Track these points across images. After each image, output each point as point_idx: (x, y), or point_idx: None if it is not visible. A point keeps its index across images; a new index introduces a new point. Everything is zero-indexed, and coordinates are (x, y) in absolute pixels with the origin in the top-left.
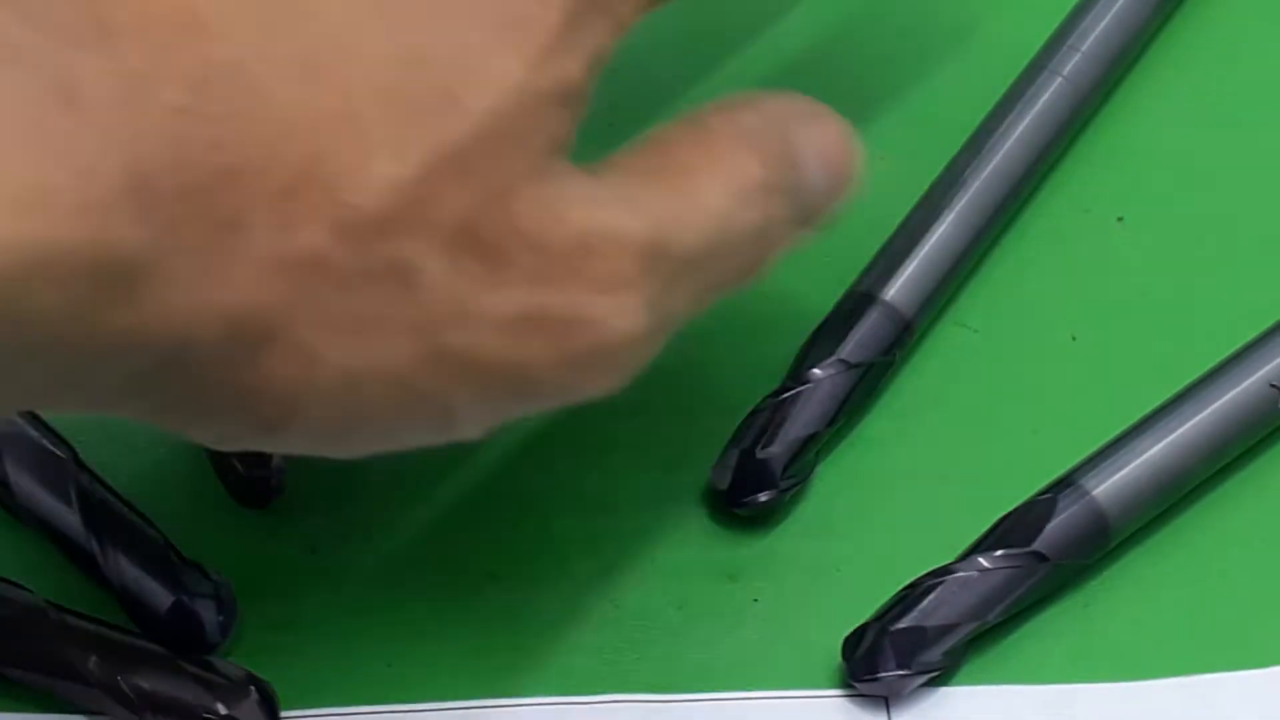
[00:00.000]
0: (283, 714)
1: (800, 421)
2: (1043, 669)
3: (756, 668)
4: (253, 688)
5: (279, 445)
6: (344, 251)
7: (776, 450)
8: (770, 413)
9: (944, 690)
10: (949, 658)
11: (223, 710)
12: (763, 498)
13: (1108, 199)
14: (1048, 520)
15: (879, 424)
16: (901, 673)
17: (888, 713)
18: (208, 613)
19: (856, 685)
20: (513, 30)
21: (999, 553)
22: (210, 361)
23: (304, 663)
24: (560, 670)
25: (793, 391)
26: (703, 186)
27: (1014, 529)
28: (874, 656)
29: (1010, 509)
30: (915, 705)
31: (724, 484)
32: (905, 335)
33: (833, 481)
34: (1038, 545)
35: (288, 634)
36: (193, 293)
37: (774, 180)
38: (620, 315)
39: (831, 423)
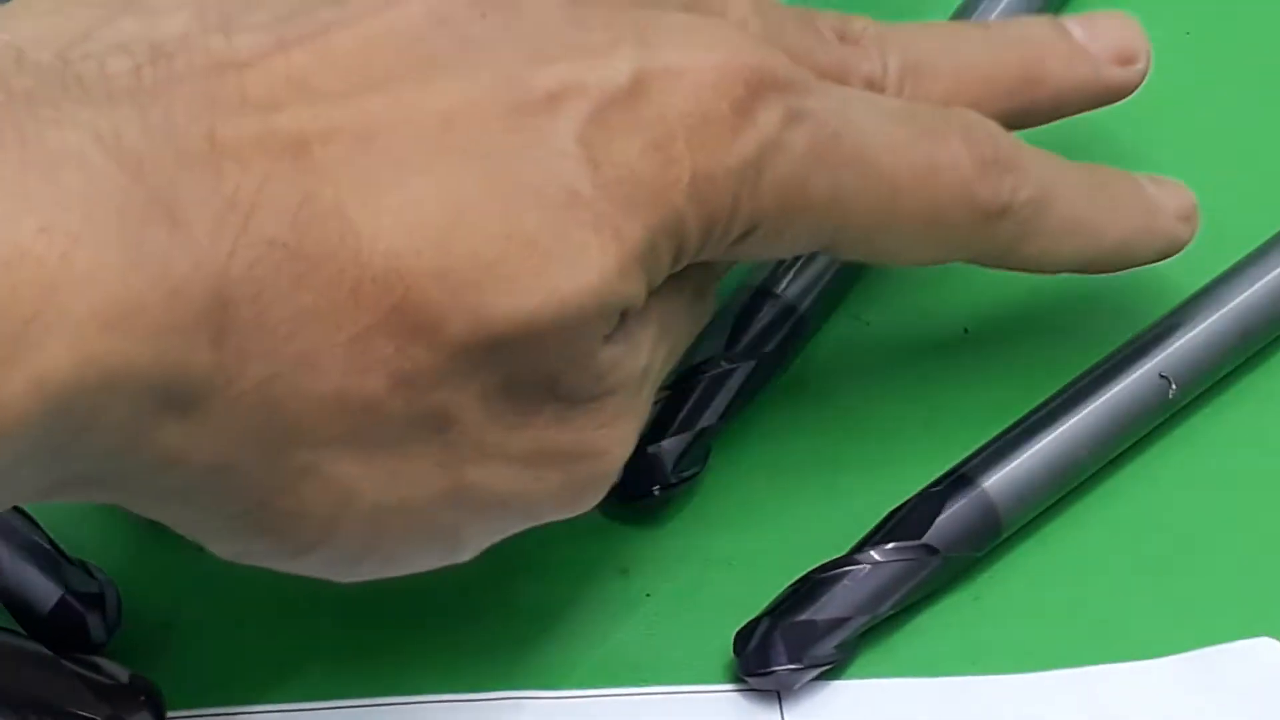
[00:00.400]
0: (169, 714)
1: (692, 415)
2: (934, 662)
3: (650, 663)
4: (139, 690)
5: (293, 567)
6: (397, 400)
7: (668, 445)
8: (662, 407)
9: (836, 684)
10: (841, 651)
11: (108, 711)
12: (655, 491)
13: None
14: (938, 513)
15: (771, 417)
16: (793, 666)
17: (780, 707)
18: (92, 612)
19: (749, 680)
20: (610, 239)
21: (890, 546)
22: (251, 486)
23: (190, 663)
24: (451, 667)
25: (685, 385)
26: (679, 308)
27: (905, 522)
28: (766, 651)
29: (901, 502)
30: (807, 699)
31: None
32: (799, 329)
33: (725, 475)
34: (928, 538)
35: (173, 633)
36: (246, 421)
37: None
38: (619, 444)
39: (724, 416)
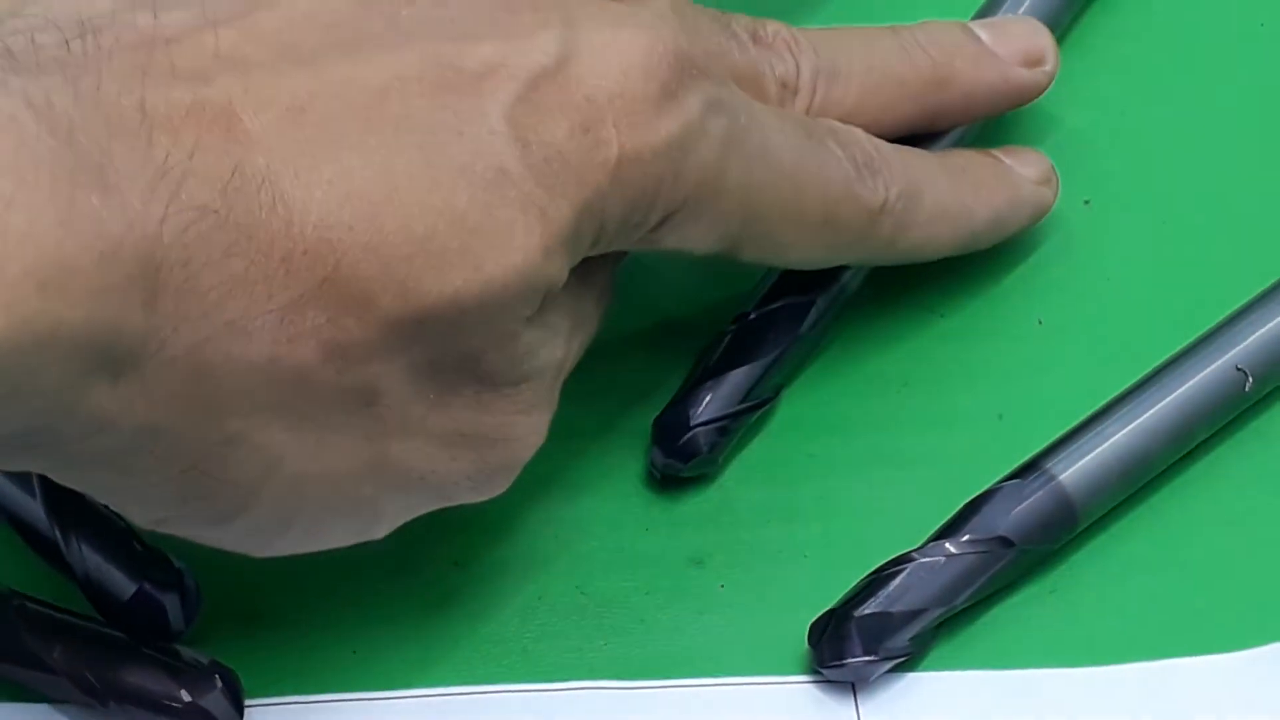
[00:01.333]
0: (247, 702)
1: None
2: (1009, 654)
3: (723, 654)
4: (217, 675)
5: (211, 538)
6: (328, 371)
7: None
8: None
9: (911, 676)
10: (916, 643)
11: (187, 698)
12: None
13: (1074, 182)
14: (1014, 506)
15: (845, 409)
16: (868, 659)
17: (854, 699)
18: (171, 600)
19: (823, 671)
20: (537, 220)
21: (965, 538)
22: (180, 450)
23: (269, 651)
24: (527, 657)
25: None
26: (588, 299)
27: (980, 514)
28: (840, 642)
29: (976, 494)
30: (882, 691)
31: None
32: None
33: (799, 467)
34: (1004, 531)
35: (252, 622)
36: (177, 386)
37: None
38: (533, 432)
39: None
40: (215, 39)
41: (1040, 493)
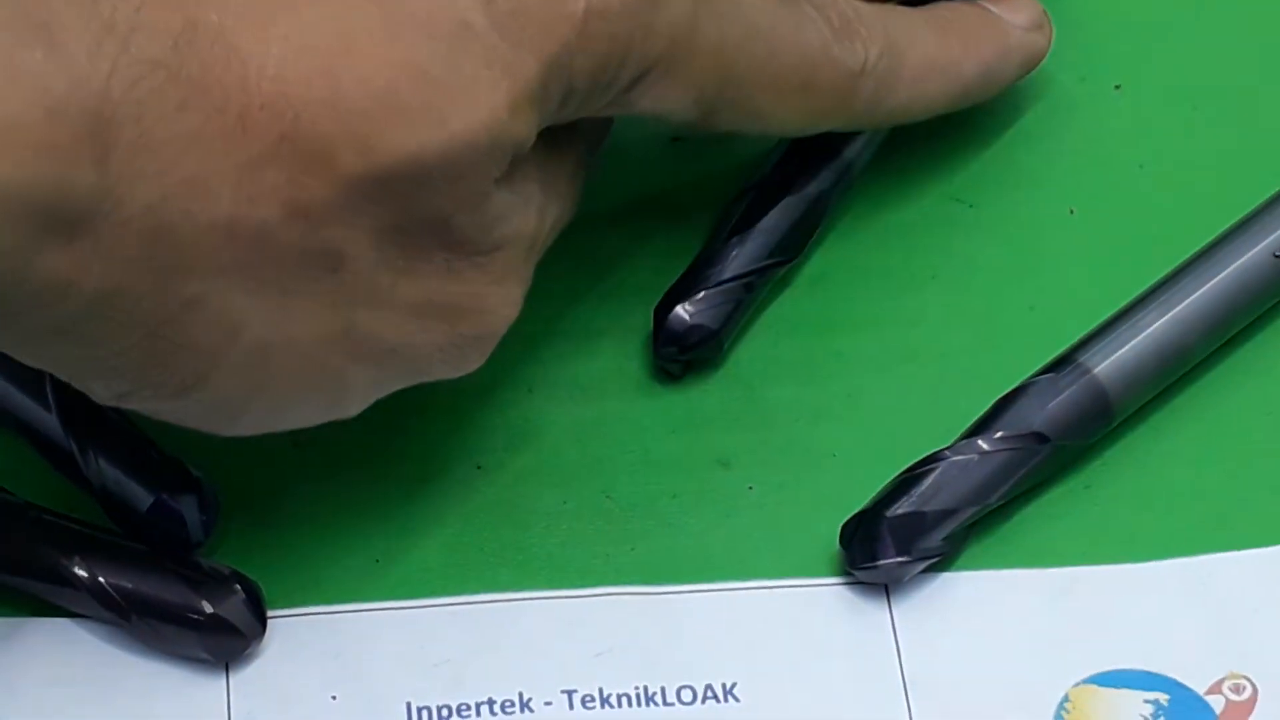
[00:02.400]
0: (269, 612)
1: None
2: (1045, 552)
3: (753, 557)
4: (238, 585)
5: (174, 412)
6: (290, 232)
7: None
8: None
9: (945, 576)
10: (949, 543)
11: (208, 609)
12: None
13: (1105, 67)
14: (1048, 400)
15: (873, 304)
16: (901, 559)
17: (888, 600)
18: (190, 511)
19: (855, 573)
20: (502, 75)
21: (999, 435)
22: (139, 315)
23: (290, 560)
24: (552, 564)
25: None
26: (562, 173)
27: (1014, 410)
28: (873, 543)
29: (1009, 389)
30: (916, 592)
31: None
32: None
33: (826, 365)
34: (1038, 426)
35: (273, 531)
36: (135, 246)
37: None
38: (507, 304)
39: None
40: None
41: (1074, 387)
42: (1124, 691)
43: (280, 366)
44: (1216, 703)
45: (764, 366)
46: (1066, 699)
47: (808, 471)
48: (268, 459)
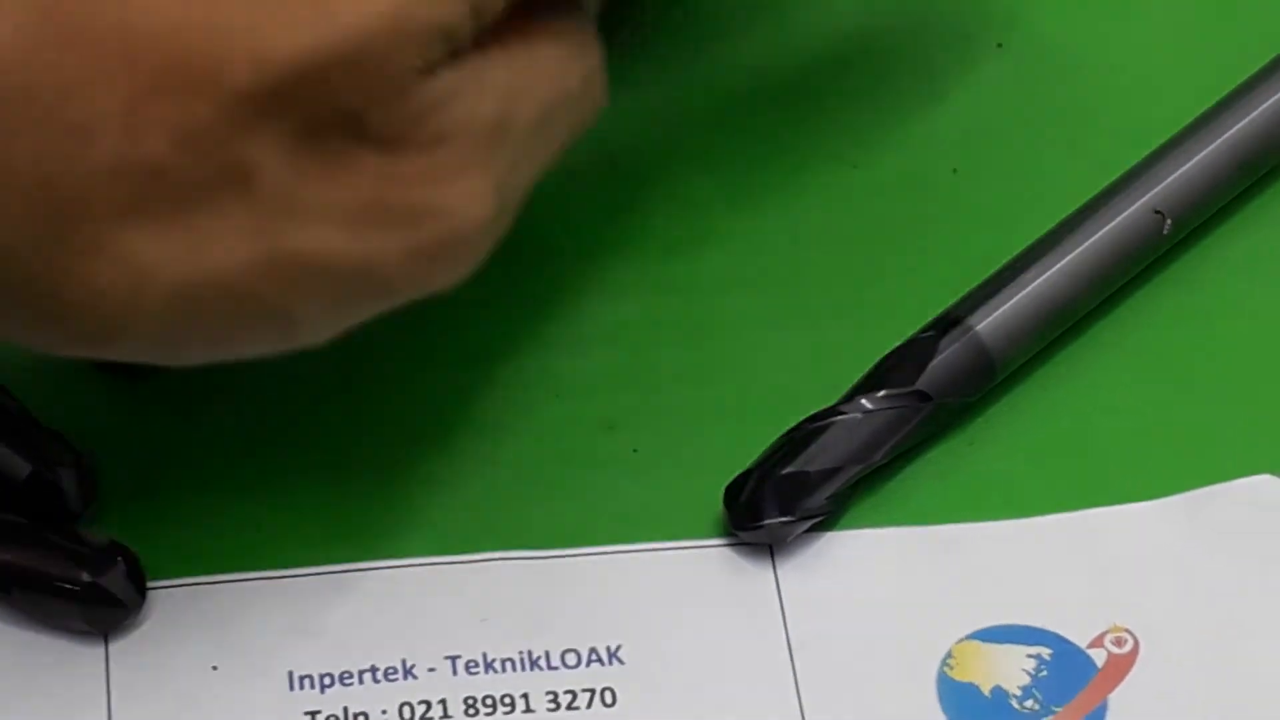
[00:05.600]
0: (149, 583)
1: None
2: (928, 510)
3: (637, 519)
4: (118, 556)
5: (108, 354)
6: (183, 160)
7: None
8: None
9: (829, 535)
10: (833, 502)
11: (87, 579)
12: None
13: (987, 24)
14: (931, 358)
15: (758, 264)
16: (785, 519)
17: (772, 560)
18: (68, 481)
19: (739, 534)
20: None
21: (882, 393)
22: (36, 269)
23: (170, 530)
24: (437, 529)
25: None
26: (542, 52)
27: (897, 368)
28: (757, 504)
29: (892, 348)
30: (800, 551)
31: None
32: None
33: (711, 326)
34: (921, 384)
35: (152, 501)
36: (22, 196)
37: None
38: (470, 201)
39: None
40: None
41: (957, 345)
42: (1007, 646)
43: (206, 303)
44: (1099, 656)
45: (648, 328)
46: (950, 655)
47: (692, 433)
48: (146, 429)
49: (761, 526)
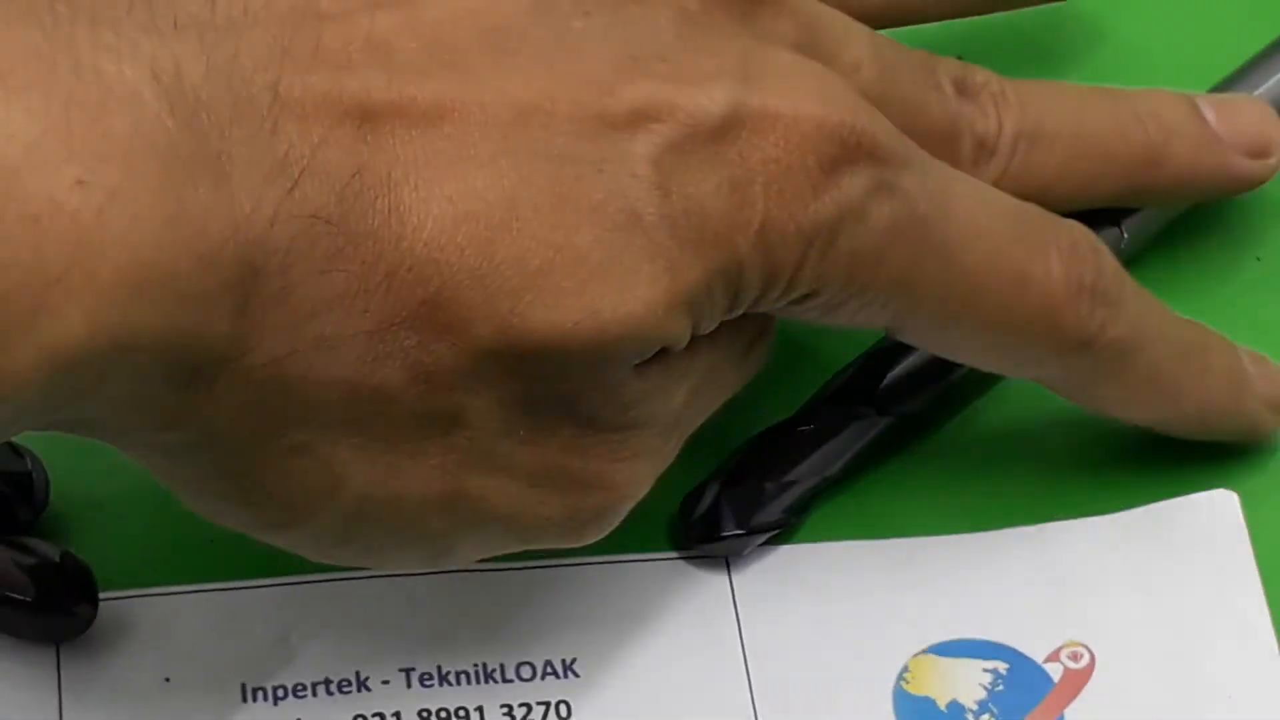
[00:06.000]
0: (101, 594)
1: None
2: (884, 523)
3: None
4: (69, 566)
5: (266, 538)
6: (410, 394)
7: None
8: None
9: (785, 548)
10: (789, 514)
11: (39, 590)
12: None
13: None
14: (888, 370)
15: None
16: (740, 533)
17: (728, 573)
18: (19, 492)
19: (696, 547)
20: (664, 271)
21: (839, 406)
22: (240, 458)
23: (122, 542)
24: None
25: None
26: (728, 350)
27: (852, 382)
28: (713, 517)
29: (848, 363)
30: (756, 564)
31: None
32: None
33: None
34: (878, 397)
35: (105, 512)
36: (251, 395)
37: None
38: (637, 482)
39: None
40: (371, 22)
41: (914, 356)
42: (963, 661)
43: (378, 522)
44: (1055, 670)
45: None
46: (906, 669)
47: None
48: (100, 442)
49: (718, 540)
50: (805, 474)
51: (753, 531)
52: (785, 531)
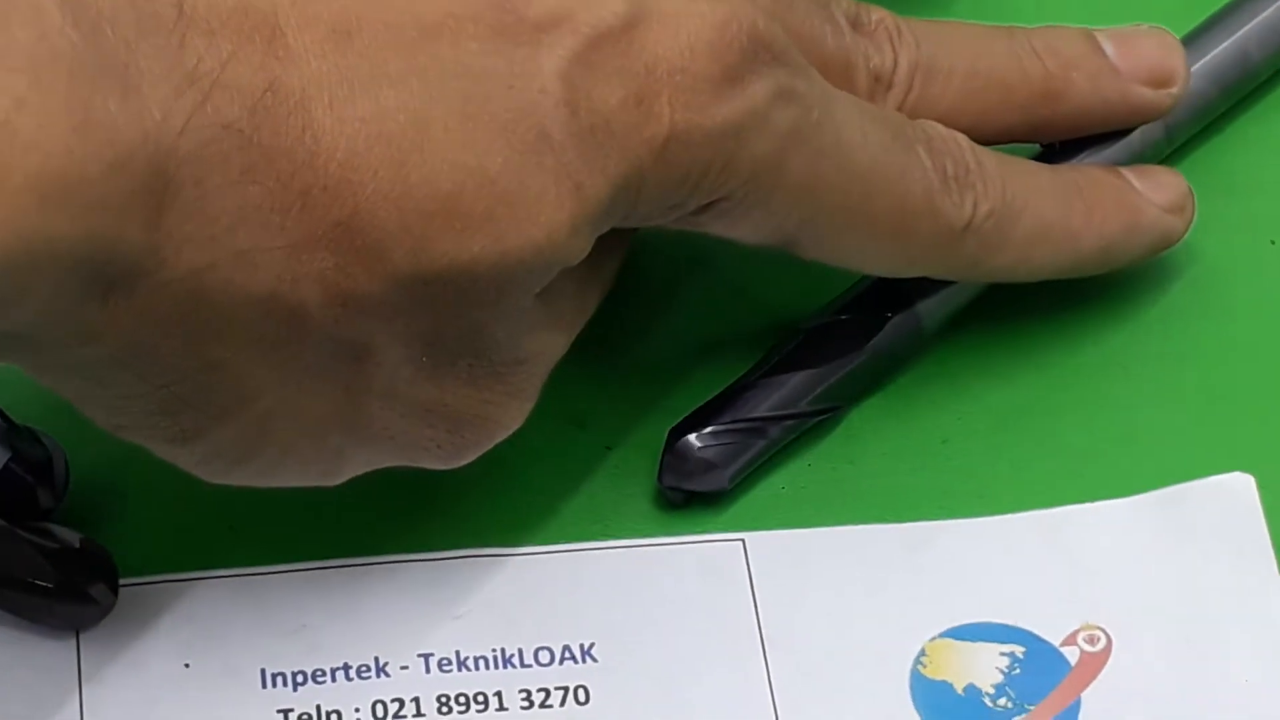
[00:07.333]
0: (122, 580)
1: None
2: (901, 507)
3: (610, 516)
4: (90, 553)
5: (168, 452)
6: (327, 316)
7: None
8: None
9: (802, 532)
10: (754, 437)
11: (59, 576)
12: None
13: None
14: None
15: (731, 257)
16: (713, 462)
17: (745, 556)
18: (40, 478)
19: (669, 492)
20: (570, 193)
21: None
22: (160, 371)
23: (143, 527)
24: (408, 526)
25: None
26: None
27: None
28: (685, 454)
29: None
30: (773, 548)
31: None
32: None
33: (680, 325)
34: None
35: (125, 498)
36: (169, 308)
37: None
38: (514, 417)
39: None
40: None
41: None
42: (980, 644)
43: (281, 436)
44: (1071, 654)
45: (620, 326)
46: (923, 653)
47: (664, 430)
48: None
49: (693, 476)
50: (774, 406)
51: (726, 465)
52: (791, 501)
